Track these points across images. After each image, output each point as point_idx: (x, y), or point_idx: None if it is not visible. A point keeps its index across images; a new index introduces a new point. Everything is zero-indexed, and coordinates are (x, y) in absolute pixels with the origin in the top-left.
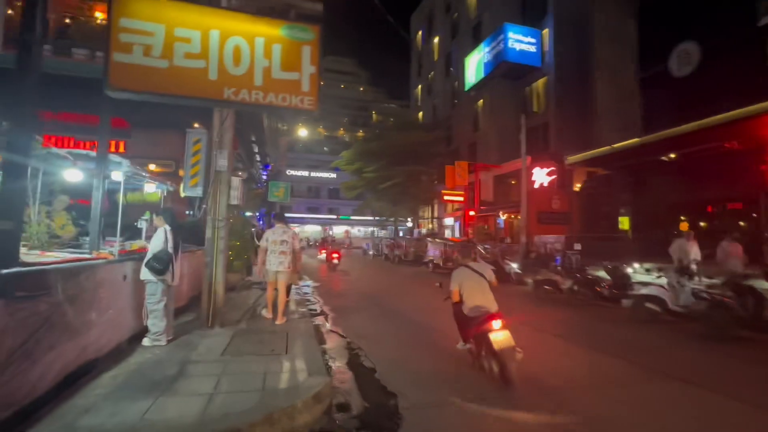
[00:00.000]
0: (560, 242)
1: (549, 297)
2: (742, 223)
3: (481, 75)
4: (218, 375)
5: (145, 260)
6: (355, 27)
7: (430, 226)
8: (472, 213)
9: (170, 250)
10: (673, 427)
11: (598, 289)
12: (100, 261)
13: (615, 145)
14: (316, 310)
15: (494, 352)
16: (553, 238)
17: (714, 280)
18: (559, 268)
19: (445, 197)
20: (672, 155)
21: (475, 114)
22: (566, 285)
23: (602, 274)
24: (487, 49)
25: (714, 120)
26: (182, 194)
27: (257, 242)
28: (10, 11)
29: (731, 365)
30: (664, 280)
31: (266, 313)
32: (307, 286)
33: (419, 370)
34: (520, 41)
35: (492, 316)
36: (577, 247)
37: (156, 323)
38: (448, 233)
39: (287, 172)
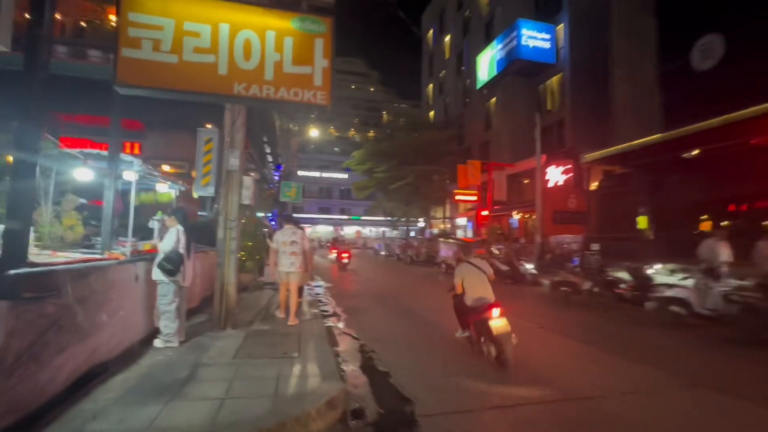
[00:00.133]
0: (577, 242)
1: (567, 299)
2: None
3: (494, 72)
4: (229, 379)
5: (157, 261)
6: (366, 27)
7: (442, 226)
8: (485, 213)
9: (182, 250)
10: None
11: (619, 291)
12: (111, 261)
13: (635, 142)
14: (328, 311)
15: (493, 337)
16: (570, 238)
17: (745, 282)
18: (577, 268)
19: (458, 197)
20: (695, 152)
21: (488, 112)
22: (585, 286)
23: (623, 275)
24: (499, 47)
25: (741, 115)
26: (195, 195)
27: (269, 243)
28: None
29: (766, 373)
30: (689, 282)
31: (279, 314)
32: (319, 286)
33: (435, 374)
34: (533, 37)
35: (492, 306)
36: (595, 247)
37: (168, 325)
38: (460, 233)
39: (298, 173)
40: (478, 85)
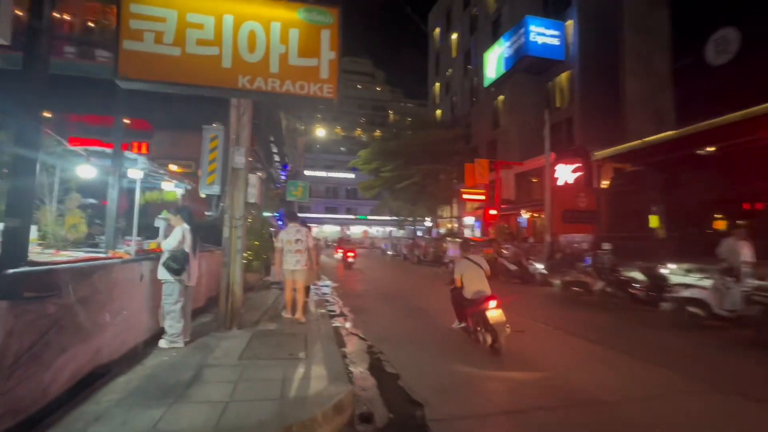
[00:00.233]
0: (587, 241)
1: (579, 299)
2: None
3: (502, 70)
4: (234, 381)
5: (162, 260)
6: (372, 26)
7: (450, 225)
8: (492, 212)
9: (187, 249)
10: None
11: (633, 291)
12: (114, 260)
13: (648, 138)
14: (335, 310)
15: (489, 327)
16: (580, 238)
17: (766, 282)
18: (589, 268)
19: (465, 196)
20: (710, 148)
21: (495, 110)
22: (597, 286)
23: (636, 275)
24: (507, 44)
25: (757, 110)
26: (201, 194)
27: (275, 242)
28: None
29: None
30: (707, 282)
31: (285, 314)
32: (326, 286)
33: (444, 376)
34: (542, 34)
35: (489, 298)
36: (607, 246)
37: (173, 325)
38: (468, 233)
39: (305, 173)
40: (486, 83)
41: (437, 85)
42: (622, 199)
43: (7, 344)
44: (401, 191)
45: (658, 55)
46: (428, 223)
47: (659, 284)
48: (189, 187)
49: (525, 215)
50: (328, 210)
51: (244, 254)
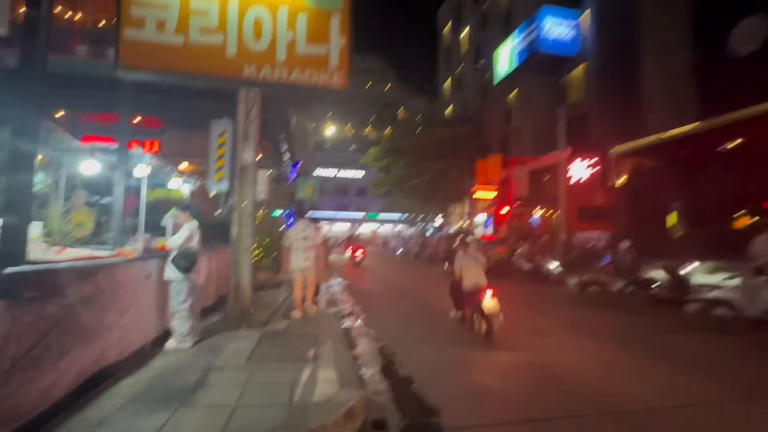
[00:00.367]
0: (604, 239)
1: (597, 299)
2: None
3: (514, 65)
4: (242, 384)
5: (170, 258)
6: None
7: (461, 223)
8: (505, 210)
9: (196, 247)
10: None
11: (654, 292)
12: (119, 259)
13: (670, 132)
14: (345, 309)
15: (485, 315)
16: (596, 236)
17: None
18: (607, 267)
19: (477, 194)
20: (734, 142)
21: (508, 106)
22: (616, 286)
23: (658, 274)
24: (520, 38)
25: None
26: (211, 194)
27: (284, 240)
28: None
29: None
30: (735, 282)
31: (295, 314)
32: (337, 284)
33: (461, 381)
34: (557, 27)
35: (485, 289)
36: (625, 244)
37: (181, 325)
38: (479, 231)
39: (315, 172)
40: (497, 79)
41: (448, 81)
42: (640, 196)
43: (4, 347)
44: (411, 189)
45: (679, 45)
46: (439, 221)
47: (682, 284)
48: (198, 184)
49: (538, 213)
50: (338, 208)
51: (254, 252)
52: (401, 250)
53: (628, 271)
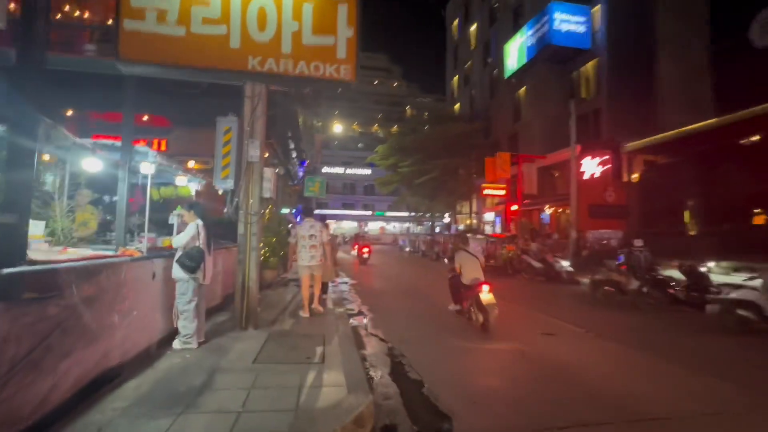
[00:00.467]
0: (616, 238)
1: (611, 299)
2: None
3: (524, 60)
4: (248, 388)
5: (176, 257)
6: (388, 20)
7: (469, 221)
8: (514, 207)
9: (202, 246)
10: None
11: (672, 292)
12: (123, 258)
13: (687, 128)
14: (353, 309)
15: (482, 307)
16: (608, 234)
17: None
18: (621, 266)
19: (485, 191)
20: (754, 138)
21: (517, 103)
22: (632, 286)
23: (675, 274)
24: (529, 33)
25: None
26: (220, 192)
27: (290, 238)
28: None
29: None
30: (758, 282)
31: (303, 313)
32: (344, 283)
33: (473, 384)
34: (567, 21)
35: (482, 284)
36: (639, 243)
37: (186, 325)
38: (488, 229)
39: (322, 170)
40: (507, 74)
41: (455, 78)
42: (654, 193)
43: (2, 349)
44: (419, 187)
45: (696, 37)
46: (447, 219)
47: (701, 284)
48: (203, 182)
49: (548, 210)
50: (346, 206)
51: (261, 251)
52: (409, 248)
53: (644, 270)
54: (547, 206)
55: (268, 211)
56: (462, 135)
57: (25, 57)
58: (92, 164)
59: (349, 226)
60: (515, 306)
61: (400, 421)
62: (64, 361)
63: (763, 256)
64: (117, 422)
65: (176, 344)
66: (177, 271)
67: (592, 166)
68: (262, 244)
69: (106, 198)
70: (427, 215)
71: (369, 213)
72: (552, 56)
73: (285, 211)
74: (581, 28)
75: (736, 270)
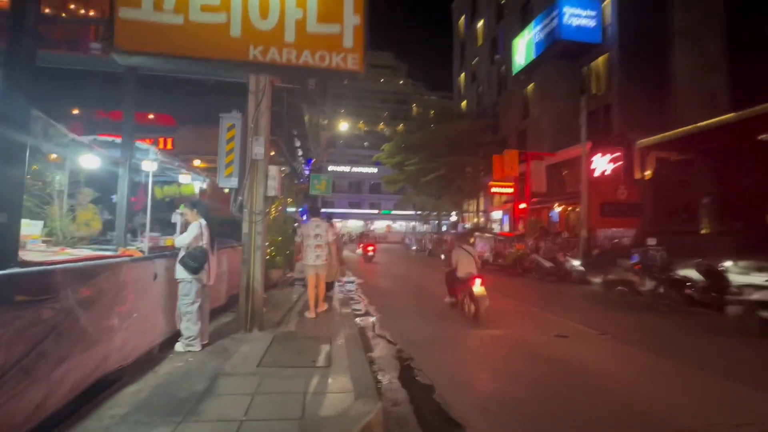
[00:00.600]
0: (628, 236)
1: (625, 300)
2: None
3: (532, 56)
4: (252, 394)
5: (179, 257)
6: (393, 17)
7: (476, 220)
8: (522, 206)
9: (205, 245)
10: None
11: (689, 293)
12: (122, 259)
13: (703, 123)
14: (360, 310)
15: (474, 298)
16: (620, 232)
17: None
18: (635, 266)
19: (493, 189)
20: None
21: (525, 99)
22: (646, 286)
23: (692, 274)
24: (538, 28)
25: None
26: (225, 190)
27: (295, 237)
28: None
29: None
30: None
31: (309, 314)
32: (351, 282)
33: (486, 390)
34: (577, 15)
35: (475, 277)
36: (652, 241)
37: (189, 327)
38: (496, 227)
39: (328, 168)
40: (515, 71)
41: (462, 75)
42: (668, 191)
43: None
44: (425, 185)
45: (711, 30)
46: (453, 217)
47: (721, 285)
48: (207, 180)
49: (557, 209)
50: (352, 205)
51: (267, 250)
52: (416, 246)
53: (660, 270)
54: (557, 204)
55: (273, 209)
56: (469, 132)
57: (15, 50)
58: (90, 161)
59: (355, 225)
60: (527, 306)
61: (410, 430)
62: (60, 366)
63: None
64: (114, 430)
65: (179, 347)
66: (180, 272)
67: (603, 163)
68: (267, 243)
69: (113, 197)
70: (434, 214)
71: (375, 212)
72: (561, 51)
73: (291, 210)
74: (591, 23)
75: (755, 270)
